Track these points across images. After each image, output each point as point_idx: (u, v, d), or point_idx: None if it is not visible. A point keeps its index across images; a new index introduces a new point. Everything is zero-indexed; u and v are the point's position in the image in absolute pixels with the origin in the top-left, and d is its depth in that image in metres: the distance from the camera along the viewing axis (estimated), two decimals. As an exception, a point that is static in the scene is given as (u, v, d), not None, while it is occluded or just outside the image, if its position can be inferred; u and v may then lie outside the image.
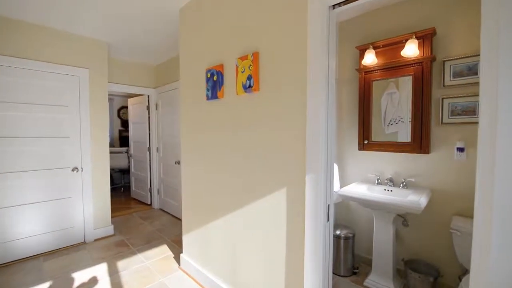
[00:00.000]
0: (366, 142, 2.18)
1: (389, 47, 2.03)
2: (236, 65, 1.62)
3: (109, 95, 5.79)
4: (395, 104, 2.13)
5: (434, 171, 1.91)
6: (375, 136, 2.17)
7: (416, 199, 1.67)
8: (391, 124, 2.13)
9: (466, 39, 1.77)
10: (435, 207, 1.90)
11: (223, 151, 1.79)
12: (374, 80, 2.13)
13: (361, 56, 2.15)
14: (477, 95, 1.72)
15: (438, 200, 1.90)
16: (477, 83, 1.73)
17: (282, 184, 1.39)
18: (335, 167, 2.33)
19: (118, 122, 6.03)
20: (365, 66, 2.15)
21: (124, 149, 5.21)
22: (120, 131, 6.00)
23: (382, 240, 1.95)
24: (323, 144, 1.18)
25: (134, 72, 3.81)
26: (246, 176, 1.61)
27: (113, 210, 3.99)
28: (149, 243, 2.89)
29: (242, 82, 1.58)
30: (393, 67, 2.00)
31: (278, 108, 1.40)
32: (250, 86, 1.53)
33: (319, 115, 1.18)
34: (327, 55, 1.19)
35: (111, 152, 5.27)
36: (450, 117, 1.84)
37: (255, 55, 1.49)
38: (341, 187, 2.38)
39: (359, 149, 2.23)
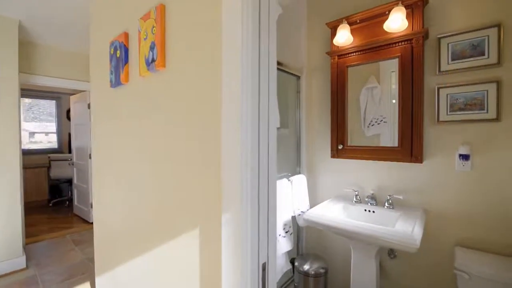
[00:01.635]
0: (340, 147, 1.66)
1: (369, 21, 1.54)
2: (139, 30, 1.05)
3: (55, 92, 5.01)
4: (376, 100, 1.64)
5: (429, 185, 1.42)
6: (353, 140, 1.67)
7: (408, 231, 1.16)
8: (372, 125, 1.64)
9: (469, 7, 1.30)
10: (431, 234, 1.41)
11: (130, 166, 1.20)
12: (350, 66, 1.63)
13: (333, 35, 1.65)
14: (485, 82, 1.25)
15: (435, 225, 1.41)
16: (485, 66, 1.26)
17: (193, 223, 0.82)
18: (303, 180, 1.80)
19: (68, 124, 5.24)
20: (338, 47, 1.65)
21: (70, 156, 4.45)
22: (70, 135, 5.20)
23: (361, 280, 1.43)
24: (248, 166, 0.63)
25: (70, 63, 3.13)
26: (151, 203, 1.03)
27: (43, 231, 3.25)
28: (70, 279, 2.21)
29: (145, 56, 1.01)
30: (374, 47, 1.51)
31: (189, 99, 0.84)
32: (153, 61, 0.96)
33: (239, 117, 0.63)
34: (257, 31, 0.65)
35: (56, 160, 4.50)
36: (449, 113, 1.36)
37: (160, 10, 0.93)
38: (311, 205, 1.84)
39: (332, 156, 1.71)
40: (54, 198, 4.64)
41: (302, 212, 1.73)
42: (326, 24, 1.69)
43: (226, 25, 0.66)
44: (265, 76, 0.66)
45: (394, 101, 1.54)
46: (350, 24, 1.57)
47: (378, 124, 1.62)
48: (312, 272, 1.61)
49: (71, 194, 4.75)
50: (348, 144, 1.65)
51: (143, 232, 1.09)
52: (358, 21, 1.56)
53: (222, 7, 0.67)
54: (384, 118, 1.59)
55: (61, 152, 5.19)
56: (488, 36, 1.25)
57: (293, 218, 1.70)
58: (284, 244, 1.55)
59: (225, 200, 0.67)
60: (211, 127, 0.74)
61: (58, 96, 5.11)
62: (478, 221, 1.29)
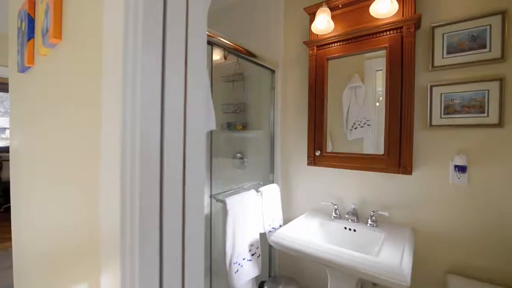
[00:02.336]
0: (318, 153, 1.42)
1: (353, 6, 1.31)
2: (37, -9, 0.75)
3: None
4: (360, 101, 1.42)
5: (419, 201, 1.21)
6: (333, 145, 1.44)
7: (395, 262, 0.93)
8: (355, 128, 1.41)
9: (468, -10, 1.10)
10: (421, 259, 1.20)
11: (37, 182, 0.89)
12: (331, 58, 1.39)
13: (312, 22, 1.41)
14: (486, 80, 1.05)
15: (425, 248, 1.20)
16: (486, 61, 1.06)
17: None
18: (276, 190, 1.55)
19: None
20: (317, 36, 1.41)
21: None
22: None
23: (340, 313, 1.19)
24: (136, 193, 0.36)
25: None
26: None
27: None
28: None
29: (41, 26, 0.72)
30: (358, 36, 1.28)
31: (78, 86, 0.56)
32: (47, 31, 0.67)
33: (117, 122, 0.36)
34: None
35: (8, 160, 4.02)
36: (443, 116, 1.15)
37: (55, -43, 0.64)
38: (285, 220, 1.59)
39: (309, 164, 1.47)
40: (7, 202, 4.14)
41: (273, 228, 1.48)
42: (304, 9, 1.45)
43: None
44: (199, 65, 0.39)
45: (377, 104, 1.33)
46: (331, 9, 1.34)
47: (362, 127, 1.40)
48: (283, 301, 1.37)
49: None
50: (327, 150, 1.42)
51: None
52: (340, 5, 1.33)
53: None
54: (368, 120, 1.38)
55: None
56: (490, 25, 1.05)
57: (263, 235, 1.45)
58: (249, 270, 1.29)
59: (104, 251, 0.39)
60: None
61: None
62: (475, 244, 1.09)
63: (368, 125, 1.37)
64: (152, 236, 0.37)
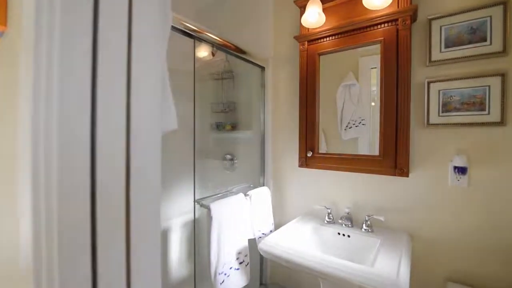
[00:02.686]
0: (310, 154, 1.34)
1: (345, -2, 1.23)
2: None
3: None
4: (354, 100, 1.35)
5: (416, 205, 1.14)
6: (327, 146, 1.36)
7: (392, 273, 0.85)
8: (350, 128, 1.34)
9: (467, -21, 1.03)
10: (419, 267, 1.12)
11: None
12: (322, 54, 1.32)
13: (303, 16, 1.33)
14: (487, 75, 0.98)
15: (423, 255, 1.12)
16: (487, 55, 0.99)
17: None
18: (266, 194, 1.47)
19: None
20: (308, 30, 1.33)
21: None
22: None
23: (334, 325, 1.11)
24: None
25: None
26: None
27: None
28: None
29: (-13, 10, 0.62)
30: (351, 30, 1.20)
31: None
32: (-10, 16, 0.58)
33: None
34: None
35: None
36: (441, 113, 1.08)
37: None
38: (276, 224, 1.51)
39: (300, 165, 1.39)
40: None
41: (263, 234, 1.40)
42: (294, 2, 1.37)
43: None
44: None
45: (373, 103, 1.26)
46: (322, 1, 1.26)
47: (357, 126, 1.33)
48: (274, 312, 1.29)
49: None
50: (320, 151, 1.34)
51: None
52: (332, -2, 1.25)
53: None
54: (363, 120, 1.30)
55: None
56: (490, 17, 0.98)
57: (253, 241, 1.36)
58: (237, 279, 1.20)
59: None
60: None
61: None
62: (476, 250, 1.02)
63: (363, 124, 1.30)
64: (78, 274, 0.28)
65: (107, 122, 0.30)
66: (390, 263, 0.91)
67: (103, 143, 0.30)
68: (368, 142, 1.29)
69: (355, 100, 1.35)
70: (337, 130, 1.35)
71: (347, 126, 1.35)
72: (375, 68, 1.26)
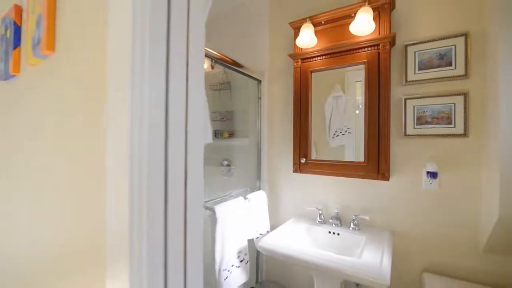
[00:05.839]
0: (303, 161, 1.48)
1: (334, 23, 1.40)
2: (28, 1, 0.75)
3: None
4: (341, 110, 1.51)
5: (396, 205, 1.30)
6: (318, 153, 1.50)
7: (376, 263, 0.99)
8: (337, 136, 1.49)
9: (436, 14, 1.22)
10: (398, 259, 1.28)
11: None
12: (314, 71, 1.47)
13: (296, 37, 1.48)
14: (452, 94, 1.16)
15: (402, 248, 1.28)
16: (452, 78, 1.18)
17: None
18: (263, 197, 1.59)
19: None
20: (301, 50, 1.48)
21: None
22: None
23: (326, 315, 1.24)
24: (143, 202, 0.38)
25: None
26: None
27: None
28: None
29: (32, 35, 0.71)
30: (340, 51, 1.37)
31: (70, 105, 0.57)
32: (39, 42, 0.67)
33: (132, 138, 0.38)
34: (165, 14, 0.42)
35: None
36: (416, 126, 1.26)
37: (49, -29, 0.65)
38: (272, 226, 1.63)
39: (294, 171, 1.52)
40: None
41: (261, 234, 1.51)
42: (289, 24, 1.52)
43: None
44: (199, 83, 0.42)
45: (357, 111, 1.42)
46: (314, 25, 1.42)
47: (343, 134, 1.48)
48: (271, 306, 1.40)
49: None
50: (312, 158, 1.48)
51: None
52: (323, 22, 1.41)
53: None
54: (348, 128, 1.46)
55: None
56: (455, 45, 1.18)
57: (251, 241, 1.47)
58: (238, 276, 1.30)
59: (111, 256, 0.41)
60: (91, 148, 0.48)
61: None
62: (446, 244, 1.19)
63: (349, 133, 1.45)
64: (158, 241, 0.39)
65: (174, 139, 0.41)
66: (375, 256, 1.05)
67: (172, 153, 0.41)
68: (353, 149, 1.44)
69: (341, 111, 1.51)
70: (326, 138, 1.50)
71: (334, 134, 1.51)
72: (359, 81, 1.43)
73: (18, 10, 0.86)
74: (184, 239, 0.42)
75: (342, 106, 1.50)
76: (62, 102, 0.63)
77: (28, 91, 0.79)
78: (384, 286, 0.90)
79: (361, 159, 1.34)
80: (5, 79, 0.94)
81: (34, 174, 0.73)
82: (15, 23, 0.86)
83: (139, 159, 0.37)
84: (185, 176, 0.43)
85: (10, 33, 0.88)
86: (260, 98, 1.71)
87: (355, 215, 1.34)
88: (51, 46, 0.65)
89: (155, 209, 0.39)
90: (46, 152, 0.68)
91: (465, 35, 1.15)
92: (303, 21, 1.44)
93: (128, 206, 0.36)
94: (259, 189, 1.69)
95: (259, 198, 1.54)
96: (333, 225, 1.38)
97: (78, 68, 0.58)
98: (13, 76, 0.89)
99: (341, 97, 1.49)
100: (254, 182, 1.71)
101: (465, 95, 1.15)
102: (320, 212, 1.45)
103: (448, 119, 1.19)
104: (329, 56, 1.41)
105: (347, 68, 1.41)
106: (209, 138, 0.55)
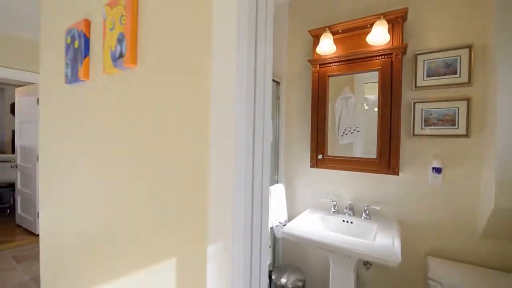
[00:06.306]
0: (320, 157, 1.64)
1: (351, 32, 1.54)
2: (104, 18, 0.89)
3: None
4: (350, 110, 1.66)
5: (404, 197, 1.46)
6: (332, 150, 1.66)
7: (388, 245, 1.15)
8: (346, 134, 1.65)
9: (444, 27, 1.36)
10: (405, 245, 1.44)
11: (92, 174, 1.02)
12: (332, 76, 1.62)
13: (315, 43, 1.62)
14: (456, 99, 1.31)
15: (408, 236, 1.44)
16: (457, 85, 1.33)
17: (172, 252, 0.69)
18: (281, 190, 1.74)
19: (12, 120, 4.56)
20: (320, 56, 1.63)
21: (13, 157, 3.86)
22: (14, 133, 4.54)
23: (340, 293, 1.40)
24: (242, 190, 0.54)
25: (15, 50, 2.71)
26: (118, 218, 0.87)
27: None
28: (7, 306, 1.86)
29: (111, 49, 0.85)
30: (356, 58, 1.51)
31: (167, 108, 0.72)
32: (121, 56, 0.81)
33: (236, 133, 0.54)
34: (254, 39, 0.57)
35: (-7, 161, 3.88)
36: (423, 127, 1.41)
37: (131, -3, 0.79)
38: (288, 215, 1.79)
39: (312, 166, 1.68)
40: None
41: (280, 223, 1.67)
42: (308, 31, 1.66)
43: (219, 24, 0.56)
44: (261, 89, 0.57)
45: (366, 107, 1.57)
46: (332, 33, 1.56)
47: (352, 133, 1.64)
48: (290, 286, 1.56)
49: (14, 202, 4.13)
50: (328, 154, 1.64)
51: (106, 250, 0.92)
52: (340, 31, 1.55)
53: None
54: (357, 127, 1.61)
55: (3, 152, 4.50)
56: (460, 56, 1.32)
57: (271, 229, 1.63)
58: (261, 259, 1.46)
59: (213, 228, 0.56)
60: (195, 142, 0.63)
61: (1, 88, 4.43)
62: (448, 232, 1.35)
63: (357, 131, 1.60)
64: (248, 220, 0.54)
65: (259, 142, 0.56)
66: (387, 239, 1.21)
67: (256, 153, 0.56)
68: (362, 146, 1.60)
69: (350, 111, 1.66)
70: (335, 136, 1.65)
71: (343, 133, 1.66)
72: (368, 83, 1.57)
73: (87, 24, 1.00)
74: (261, 217, 0.58)
75: (352, 107, 1.65)
76: (149, 105, 0.77)
77: (109, 93, 0.93)
78: (396, 263, 1.07)
79: (372, 155, 1.49)
80: (71, 82, 1.08)
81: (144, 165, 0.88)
82: (85, 35, 1.00)
83: (239, 162, 0.52)
84: (262, 174, 0.58)
85: (79, 44, 1.02)
86: (279, 98, 1.86)
87: (367, 206, 1.50)
88: (134, 60, 0.79)
89: (245, 187, 0.54)
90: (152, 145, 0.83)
91: (469, 47, 1.30)
92: (322, 29, 1.58)
93: (233, 185, 0.51)
94: (277, 182, 1.84)
95: (279, 190, 1.69)
96: (347, 214, 1.54)
97: (165, 83, 0.72)
98: (80, 81, 1.04)
99: (350, 98, 1.64)
100: (272, 176, 1.87)
101: (468, 100, 1.30)
102: (334, 203, 1.61)
103: (452, 121, 1.34)
104: (345, 62, 1.55)
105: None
106: (271, 137, 0.70)
